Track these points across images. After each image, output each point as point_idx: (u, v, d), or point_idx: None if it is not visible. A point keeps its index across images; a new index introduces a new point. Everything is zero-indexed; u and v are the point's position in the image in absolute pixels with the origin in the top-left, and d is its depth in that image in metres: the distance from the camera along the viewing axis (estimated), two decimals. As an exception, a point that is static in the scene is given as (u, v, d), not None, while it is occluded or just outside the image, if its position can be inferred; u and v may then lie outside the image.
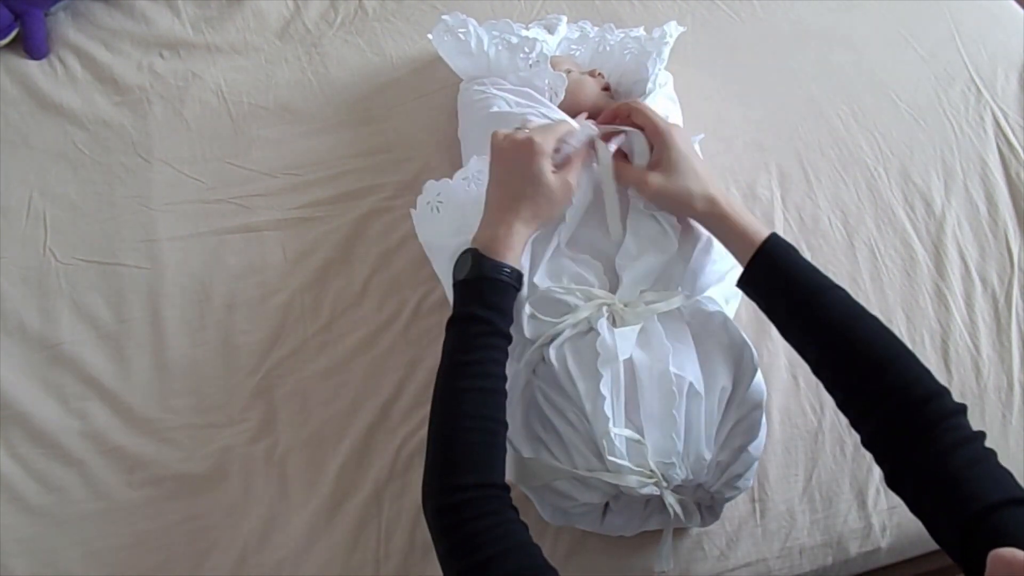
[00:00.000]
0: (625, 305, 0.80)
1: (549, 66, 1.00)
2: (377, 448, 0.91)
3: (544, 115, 0.93)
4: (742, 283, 0.78)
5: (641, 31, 1.13)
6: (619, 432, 0.72)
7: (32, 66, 1.20)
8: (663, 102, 1.03)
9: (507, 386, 0.74)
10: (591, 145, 0.84)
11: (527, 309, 0.80)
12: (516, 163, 0.79)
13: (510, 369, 0.76)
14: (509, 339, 0.75)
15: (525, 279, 0.79)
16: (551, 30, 1.14)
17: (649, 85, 1.01)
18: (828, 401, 0.94)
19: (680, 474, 0.73)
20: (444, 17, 1.05)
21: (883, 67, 1.21)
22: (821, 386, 0.93)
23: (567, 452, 0.75)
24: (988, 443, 0.66)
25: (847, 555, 0.89)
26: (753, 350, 0.80)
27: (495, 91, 0.99)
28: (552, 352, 0.78)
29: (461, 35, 1.04)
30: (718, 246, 0.83)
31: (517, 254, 0.77)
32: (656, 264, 0.83)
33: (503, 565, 0.61)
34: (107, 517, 0.88)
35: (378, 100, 1.17)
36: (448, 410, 0.71)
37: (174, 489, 0.90)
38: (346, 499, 0.89)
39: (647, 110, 0.83)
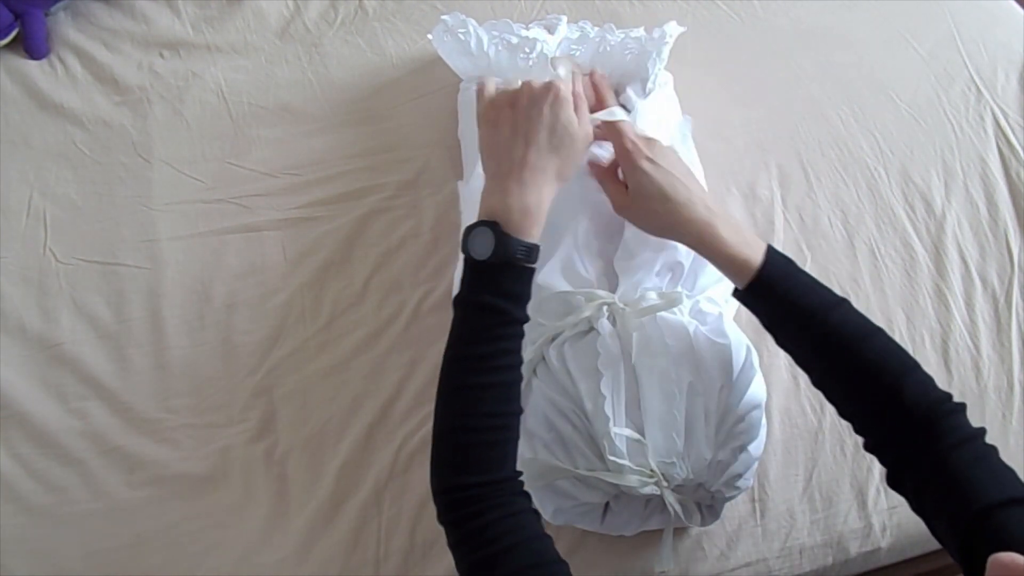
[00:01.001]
0: (625, 305, 0.80)
1: (550, 66, 1.00)
2: (377, 448, 0.91)
3: None
4: (740, 299, 0.76)
5: (641, 31, 1.13)
6: (620, 431, 0.72)
7: (32, 66, 1.20)
8: (663, 102, 1.03)
9: None
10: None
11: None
12: (541, 114, 0.70)
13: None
14: (525, 320, 0.69)
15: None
16: (551, 30, 1.14)
17: (649, 85, 1.01)
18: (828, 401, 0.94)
19: (681, 474, 0.73)
20: (444, 17, 1.05)
21: (883, 67, 1.21)
22: (821, 386, 0.95)
23: (568, 452, 0.75)
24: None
25: (847, 555, 0.89)
26: (752, 350, 0.80)
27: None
28: (552, 352, 0.78)
29: (461, 35, 1.04)
30: None
31: (543, 224, 0.70)
32: (655, 263, 0.83)
33: (513, 559, 0.61)
34: (107, 517, 0.88)
35: (378, 100, 1.17)
36: (458, 407, 0.67)
37: (174, 489, 0.90)
38: (346, 499, 0.89)
39: (619, 129, 0.78)
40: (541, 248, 0.70)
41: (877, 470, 0.92)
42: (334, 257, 1.03)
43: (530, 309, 0.74)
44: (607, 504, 0.79)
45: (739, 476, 0.78)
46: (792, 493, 0.90)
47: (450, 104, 1.12)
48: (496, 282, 0.67)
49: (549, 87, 0.72)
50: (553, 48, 1.11)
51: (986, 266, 1.05)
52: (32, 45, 1.20)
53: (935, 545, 0.63)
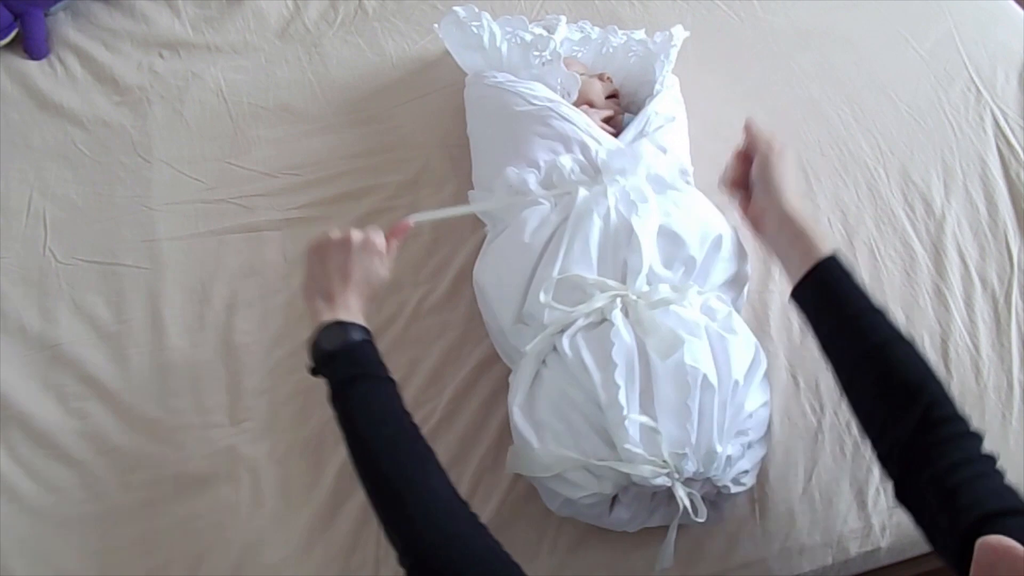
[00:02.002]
0: (638, 297, 0.80)
1: (562, 65, 1.00)
2: (377, 448, 0.91)
3: (564, 116, 0.94)
4: (794, 296, 0.80)
5: (642, 34, 1.13)
6: (635, 418, 0.72)
7: (32, 66, 1.20)
8: (670, 104, 1.03)
9: (515, 376, 0.74)
10: None
11: (541, 297, 0.80)
12: (345, 259, 0.81)
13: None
14: (390, 379, 0.76)
15: (555, 270, 0.82)
16: (550, 30, 1.14)
17: (656, 87, 1.01)
18: (828, 401, 0.94)
19: (692, 466, 0.73)
20: (456, 9, 1.04)
21: (883, 67, 1.21)
22: (821, 386, 0.94)
23: (578, 442, 0.75)
24: (988, 443, 0.66)
25: (847, 555, 0.89)
26: (760, 348, 0.81)
27: (521, 88, 0.98)
28: (566, 342, 0.78)
29: (475, 28, 1.03)
30: (727, 244, 0.83)
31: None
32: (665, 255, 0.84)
33: None
34: (107, 517, 0.88)
35: (378, 100, 1.17)
36: (380, 476, 0.69)
37: (174, 489, 0.90)
38: (346, 499, 0.88)
39: (756, 130, 0.89)
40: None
41: (877, 470, 0.91)
42: (334, 257, 1.03)
43: (544, 297, 0.81)
44: (614, 498, 0.79)
45: (745, 472, 0.78)
46: (792, 493, 0.90)
47: (450, 104, 1.12)
48: (354, 359, 0.75)
49: (371, 243, 0.82)
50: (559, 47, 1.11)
51: (986, 266, 1.05)
52: (32, 45, 1.20)
53: (935, 545, 0.64)
